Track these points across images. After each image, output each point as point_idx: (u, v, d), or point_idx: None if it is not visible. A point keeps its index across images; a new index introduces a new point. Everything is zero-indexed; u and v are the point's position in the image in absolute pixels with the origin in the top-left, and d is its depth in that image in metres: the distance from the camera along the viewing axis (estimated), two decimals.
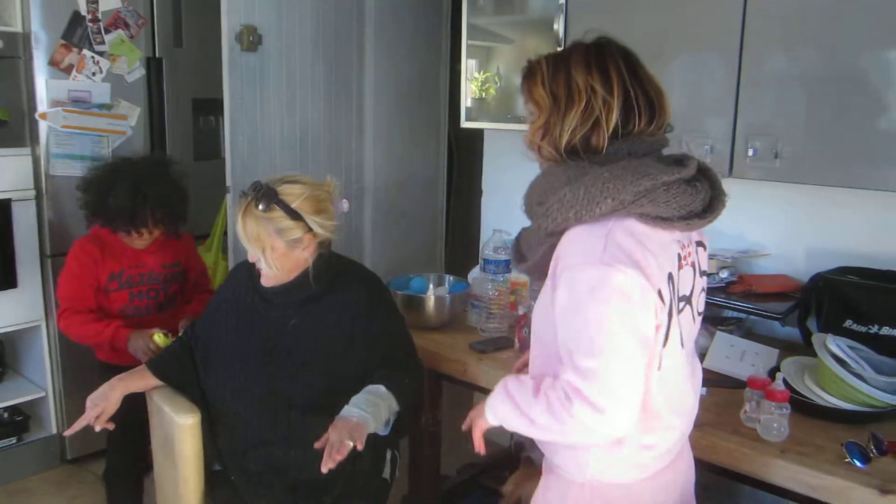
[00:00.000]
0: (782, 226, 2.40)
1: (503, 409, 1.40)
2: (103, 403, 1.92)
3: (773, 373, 1.93)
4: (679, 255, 1.35)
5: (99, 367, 2.46)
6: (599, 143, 1.31)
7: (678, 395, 1.42)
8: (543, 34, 2.45)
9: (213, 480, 1.99)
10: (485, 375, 2.14)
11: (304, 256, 1.89)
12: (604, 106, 1.30)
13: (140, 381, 2.01)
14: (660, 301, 1.26)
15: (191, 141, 3.33)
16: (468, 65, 2.68)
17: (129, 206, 2.25)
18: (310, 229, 1.84)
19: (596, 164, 1.30)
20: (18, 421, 3.09)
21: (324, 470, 1.63)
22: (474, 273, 2.76)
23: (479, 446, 1.53)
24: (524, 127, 2.61)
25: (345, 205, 1.95)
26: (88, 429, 3.15)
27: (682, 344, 1.38)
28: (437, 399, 2.52)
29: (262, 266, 1.86)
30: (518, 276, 2.46)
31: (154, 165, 2.41)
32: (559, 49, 2.34)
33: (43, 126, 2.89)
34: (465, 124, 2.72)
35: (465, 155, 4.47)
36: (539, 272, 1.41)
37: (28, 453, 3.11)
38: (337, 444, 1.65)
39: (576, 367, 1.25)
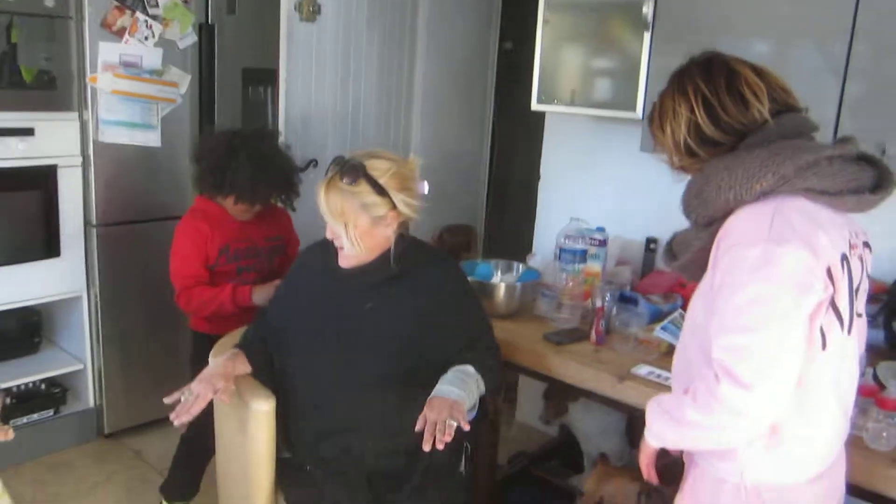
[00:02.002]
0: (866, 226, 2.32)
1: (657, 424, 1.38)
2: (222, 381, 1.79)
3: (874, 377, 1.86)
4: (850, 242, 1.31)
5: (192, 336, 2.47)
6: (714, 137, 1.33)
7: (842, 384, 1.36)
8: (629, 15, 2.35)
9: (282, 467, 1.92)
10: (564, 368, 2.06)
11: (385, 235, 1.81)
12: (690, 124, 1.34)
13: (242, 366, 1.89)
14: (828, 279, 1.23)
15: (239, 112, 3.22)
16: (542, 45, 2.56)
17: (249, 181, 2.23)
18: (394, 206, 1.76)
19: (751, 147, 1.29)
20: (55, 393, 3.02)
21: (426, 448, 1.54)
22: (535, 260, 2.69)
23: (649, 475, 1.51)
24: (590, 111, 2.57)
25: (425, 186, 1.87)
26: (128, 405, 3.12)
27: (850, 332, 1.33)
28: (498, 390, 2.45)
29: (344, 243, 1.78)
30: (591, 265, 2.39)
31: (266, 139, 2.39)
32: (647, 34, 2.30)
33: (92, 91, 2.78)
34: (535, 107, 2.62)
35: (507, 138, 4.39)
36: (693, 268, 1.37)
37: (65, 426, 3.04)
38: (441, 425, 1.56)
39: (725, 346, 1.23)
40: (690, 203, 1.35)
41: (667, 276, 2.57)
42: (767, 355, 1.20)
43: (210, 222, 2.33)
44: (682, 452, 1.51)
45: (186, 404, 1.73)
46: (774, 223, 1.21)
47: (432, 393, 1.68)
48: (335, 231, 1.78)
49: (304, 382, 1.86)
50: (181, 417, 1.72)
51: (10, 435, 1.86)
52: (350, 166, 1.72)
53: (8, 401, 2.84)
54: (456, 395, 1.67)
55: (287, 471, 1.91)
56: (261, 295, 2.24)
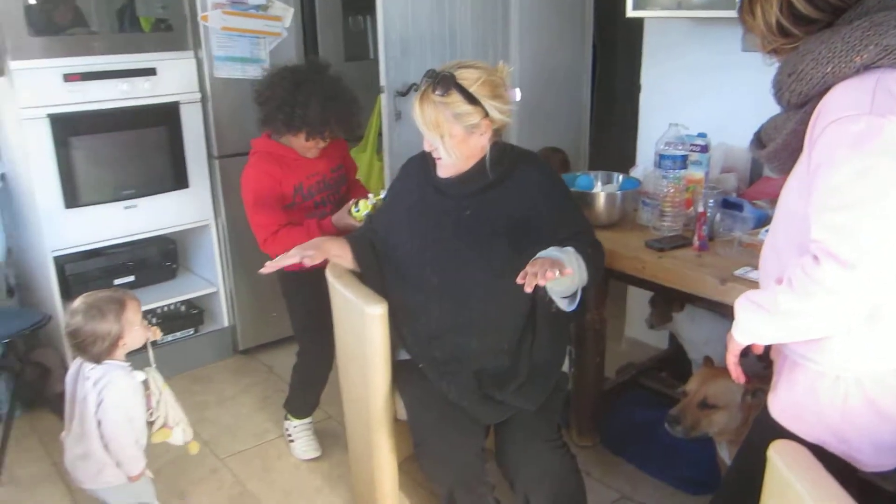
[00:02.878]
0: None
1: (747, 318, 1.36)
2: (313, 251, 1.98)
3: None
4: None
5: (281, 275, 2.49)
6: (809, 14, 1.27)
7: None
8: None
9: (399, 368, 2.07)
10: (666, 273, 2.09)
11: (480, 143, 1.87)
12: (782, 3, 1.28)
13: (340, 248, 2.06)
14: None
15: (341, 41, 3.33)
16: None
17: (320, 114, 2.27)
18: (487, 114, 1.81)
19: (850, 20, 1.23)
20: (194, 314, 3.31)
21: (528, 290, 1.61)
22: (638, 171, 2.68)
23: (737, 375, 1.49)
24: (688, 13, 2.49)
25: (517, 93, 1.91)
26: (258, 324, 3.37)
27: None
28: (602, 298, 2.50)
29: (441, 154, 1.85)
30: (694, 172, 2.37)
31: (323, 71, 2.39)
32: None
33: (205, 29, 2.95)
34: (631, 13, 2.57)
35: (609, 50, 4.29)
36: (784, 155, 1.34)
37: (204, 344, 3.34)
38: (541, 272, 1.60)
39: (825, 225, 1.19)
40: (783, 83, 1.30)
41: (775, 183, 2.49)
42: (870, 232, 1.15)
43: (280, 163, 2.38)
44: (767, 350, 1.49)
45: (278, 259, 1.93)
46: (877, 95, 1.16)
47: (535, 256, 1.73)
48: (432, 143, 1.86)
49: (412, 288, 1.98)
50: (267, 268, 1.93)
51: (158, 334, 2.10)
52: (441, 78, 1.78)
53: (154, 320, 3.15)
54: (556, 255, 1.71)
55: (403, 371, 2.06)
56: (342, 221, 2.32)
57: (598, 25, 3.96)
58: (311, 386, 2.68)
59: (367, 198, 2.30)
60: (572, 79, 3.86)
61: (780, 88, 1.32)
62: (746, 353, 1.49)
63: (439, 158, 1.89)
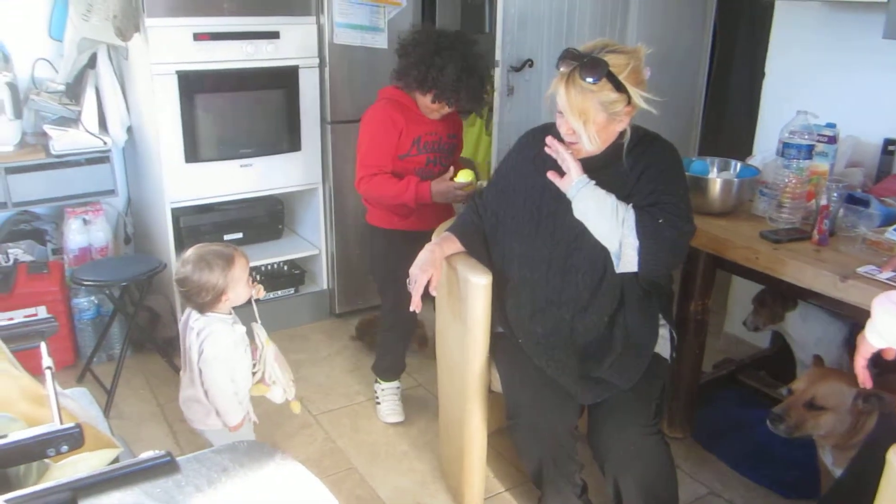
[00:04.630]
0: None
1: (887, 320, 1.30)
2: (431, 269, 1.97)
3: None
4: None
5: (371, 231, 2.64)
6: None
7: None
8: None
9: (495, 341, 2.07)
10: (782, 265, 2.00)
11: (618, 130, 1.83)
12: None
13: (452, 245, 2.07)
14: None
15: (459, 13, 3.33)
16: None
17: (453, 82, 2.32)
18: (629, 102, 1.75)
19: None
20: (296, 274, 3.42)
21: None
22: (756, 159, 2.58)
23: (864, 378, 1.44)
24: None
25: (648, 72, 1.84)
26: (355, 289, 3.45)
27: None
28: (708, 288, 2.43)
29: (583, 140, 1.78)
30: (819, 163, 2.26)
31: (470, 44, 2.41)
32: None
33: None
34: None
35: (730, 34, 4.14)
36: None
37: (303, 304, 3.44)
38: (559, 150, 1.81)
39: None
40: None
41: None
42: None
43: (404, 113, 2.43)
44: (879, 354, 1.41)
45: (414, 292, 1.93)
46: None
47: None
48: (573, 128, 1.78)
49: (519, 261, 1.97)
50: (415, 305, 1.93)
51: (262, 293, 2.16)
52: (593, 64, 1.70)
53: (258, 278, 3.27)
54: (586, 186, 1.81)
55: (500, 344, 2.06)
56: (440, 189, 2.35)
57: (721, 6, 3.82)
58: (398, 346, 2.72)
59: (470, 171, 2.34)
60: (689, 62, 3.74)
61: None
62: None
63: (573, 144, 1.82)
